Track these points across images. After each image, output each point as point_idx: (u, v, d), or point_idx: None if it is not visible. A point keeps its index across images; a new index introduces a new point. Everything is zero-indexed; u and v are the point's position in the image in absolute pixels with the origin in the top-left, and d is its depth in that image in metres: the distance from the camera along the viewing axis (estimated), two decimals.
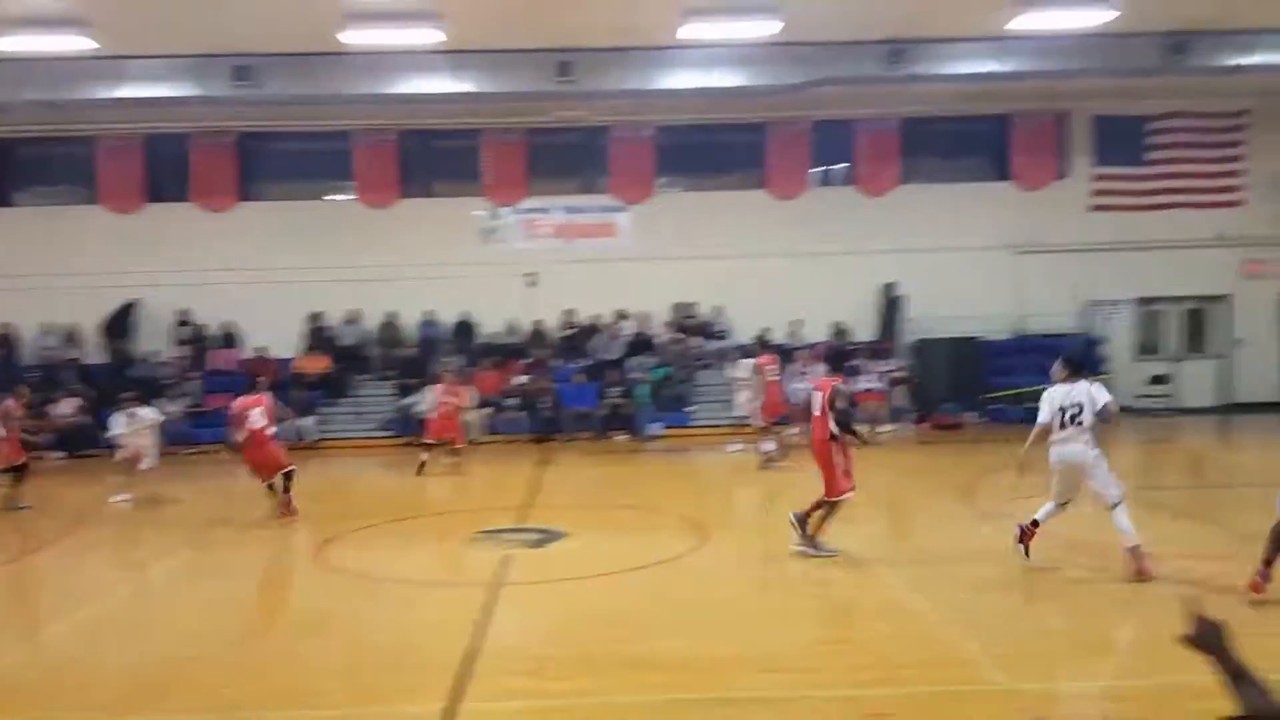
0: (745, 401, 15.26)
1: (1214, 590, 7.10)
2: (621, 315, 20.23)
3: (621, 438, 18.33)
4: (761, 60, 16.19)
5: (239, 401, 11.53)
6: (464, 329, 20.11)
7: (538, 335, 20.04)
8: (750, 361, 15.28)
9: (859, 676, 5.86)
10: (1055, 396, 8.19)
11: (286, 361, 19.26)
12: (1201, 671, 5.74)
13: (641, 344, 19.79)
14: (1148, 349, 20.75)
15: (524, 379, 18.96)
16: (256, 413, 11.32)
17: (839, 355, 19.00)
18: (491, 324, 20.12)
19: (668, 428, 18.49)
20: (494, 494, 13.17)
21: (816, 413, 8.93)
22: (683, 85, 16.37)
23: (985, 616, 7.09)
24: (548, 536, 10.01)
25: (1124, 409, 19.18)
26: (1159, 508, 10.91)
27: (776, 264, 19.88)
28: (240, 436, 11.32)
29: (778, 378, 14.91)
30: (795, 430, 17.80)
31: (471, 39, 15.29)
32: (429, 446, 14.49)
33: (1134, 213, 20.10)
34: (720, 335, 20.14)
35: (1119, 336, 20.33)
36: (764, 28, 14.72)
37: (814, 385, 9.47)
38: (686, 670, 6.04)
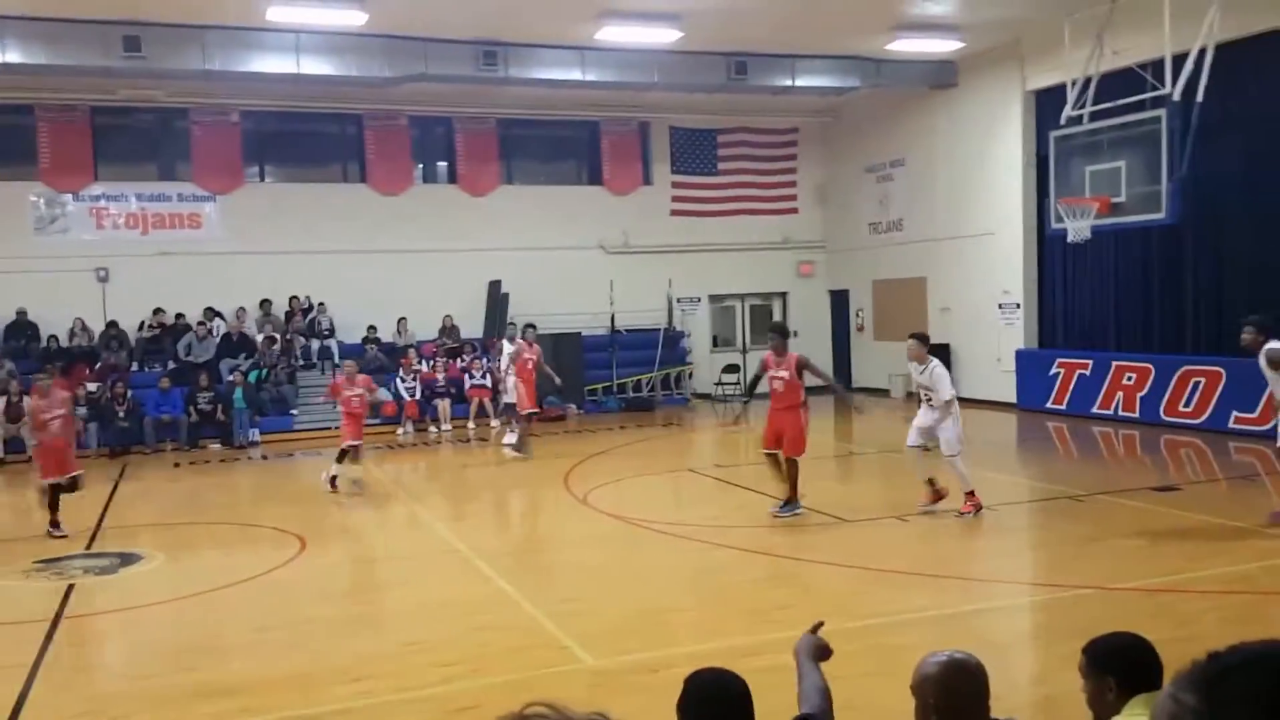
0: (512, 388, 15.21)
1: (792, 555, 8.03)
2: (212, 313, 18.84)
3: (215, 446, 17.07)
4: (354, 51, 15.80)
5: None
6: (20, 330, 17.69)
7: (112, 337, 18.10)
8: (513, 349, 15.19)
9: (447, 672, 5.95)
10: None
11: None
12: (753, 634, 6.48)
13: (236, 344, 18.54)
14: (722, 340, 22.94)
15: (94, 386, 17.03)
16: None
17: (453, 351, 19.31)
18: (55, 325, 17.87)
19: (265, 434, 17.49)
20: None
21: (785, 378, 9.98)
22: (269, 70, 15.52)
23: (578, 601, 7.50)
24: (121, 561, 9.12)
25: (703, 396, 21.23)
26: (730, 484, 12.18)
27: (382, 260, 19.55)
28: None
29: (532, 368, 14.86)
30: (404, 430, 17.76)
31: (21, 5, 13.49)
32: None
33: (708, 218, 22.13)
34: (324, 334, 19.43)
35: (698, 331, 22.27)
36: (351, 17, 14.39)
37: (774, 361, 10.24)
38: (263, 692, 5.78)
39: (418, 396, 18.36)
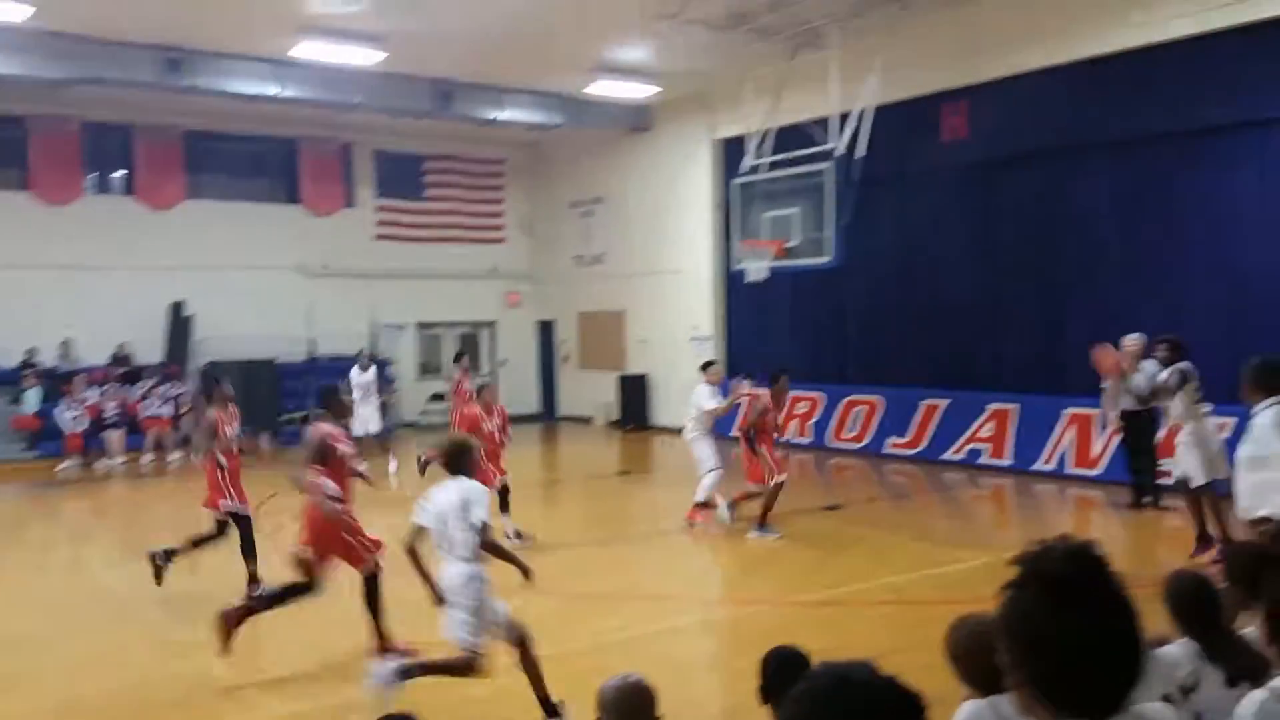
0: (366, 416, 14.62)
1: None
2: None
3: None
4: (19, 48, 14.24)
5: None
6: None
7: None
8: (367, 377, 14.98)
9: None
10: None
11: None
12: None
13: None
14: (429, 369, 22.64)
15: None
16: None
17: (130, 375, 17.62)
18: None
19: None
20: None
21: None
22: None
23: (255, 646, 7.10)
24: None
25: (409, 425, 20.82)
26: None
27: (45, 276, 17.64)
28: None
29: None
30: (66, 464, 16.02)
31: None
32: None
33: (415, 244, 21.82)
34: None
35: (404, 358, 21.85)
36: (13, 10, 12.96)
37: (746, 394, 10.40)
38: None
39: (84, 429, 16.65)
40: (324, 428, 7.21)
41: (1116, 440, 11.83)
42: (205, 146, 19.92)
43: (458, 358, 14.63)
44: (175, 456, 17.03)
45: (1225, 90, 11.89)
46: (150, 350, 18.69)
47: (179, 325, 19.04)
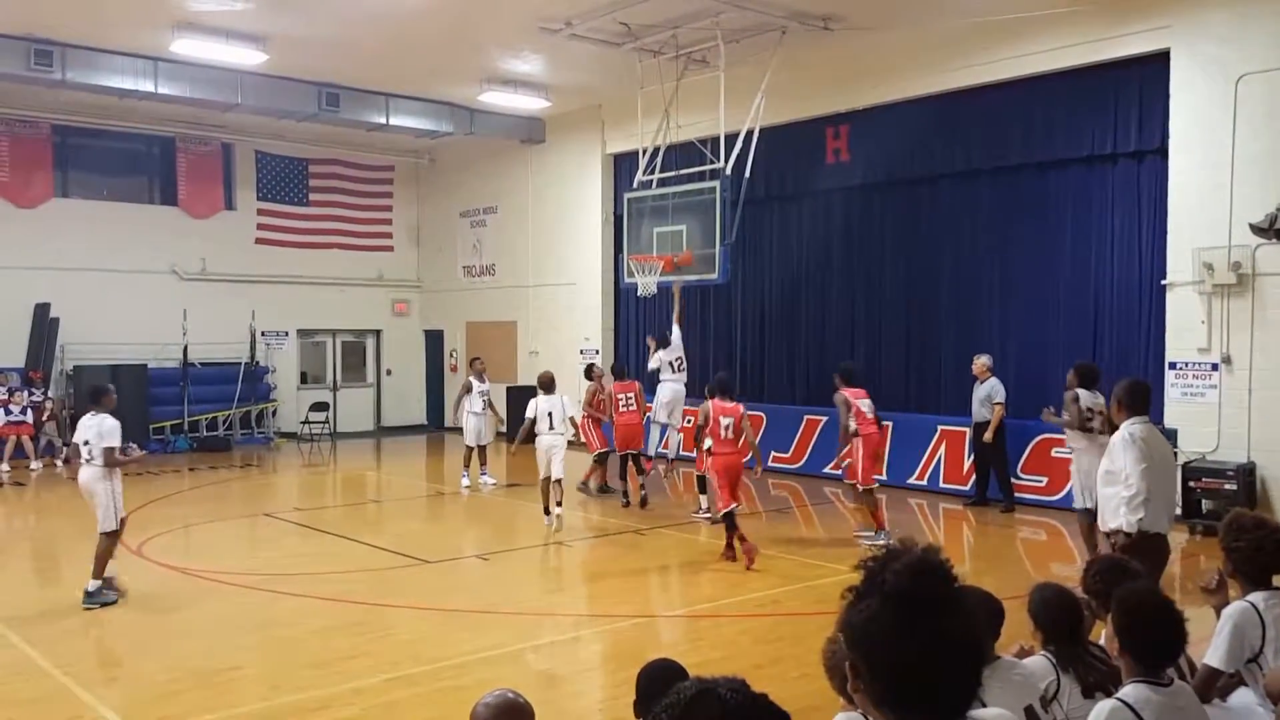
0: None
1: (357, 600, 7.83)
2: None
3: None
4: None
5: None
6: None
7: None
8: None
9: None
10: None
11: None
12: (320, 687, 6.28)
13: None
14: (312, 377, 22.07)
15: None
16: None
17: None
18: None
19: None
20: None
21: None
22: None
23: (119, 665, 6.82)
24: None
25: (288, 435, 20.26)
26: (310, 528, 11.72)
27: None
28: None
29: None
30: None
31: None
32: None
33: (298, 249, 21.28)
34: None
35: (284, 366, 21.25)
36: None
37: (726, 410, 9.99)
38: None
39: None
40: None
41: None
42: (76, 143, 19.08)
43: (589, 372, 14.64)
44: (36, 465, 16.24)
45: (1088, 122, 12.58)
46: (12, 353, 17.73)
47: (43, 328, 18.13)
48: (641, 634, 7.75)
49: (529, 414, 11.37)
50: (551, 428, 11.30)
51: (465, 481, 14.40)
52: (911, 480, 13.85)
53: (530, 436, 11.44)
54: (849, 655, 1.71)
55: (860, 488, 10.42)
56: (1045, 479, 12.59)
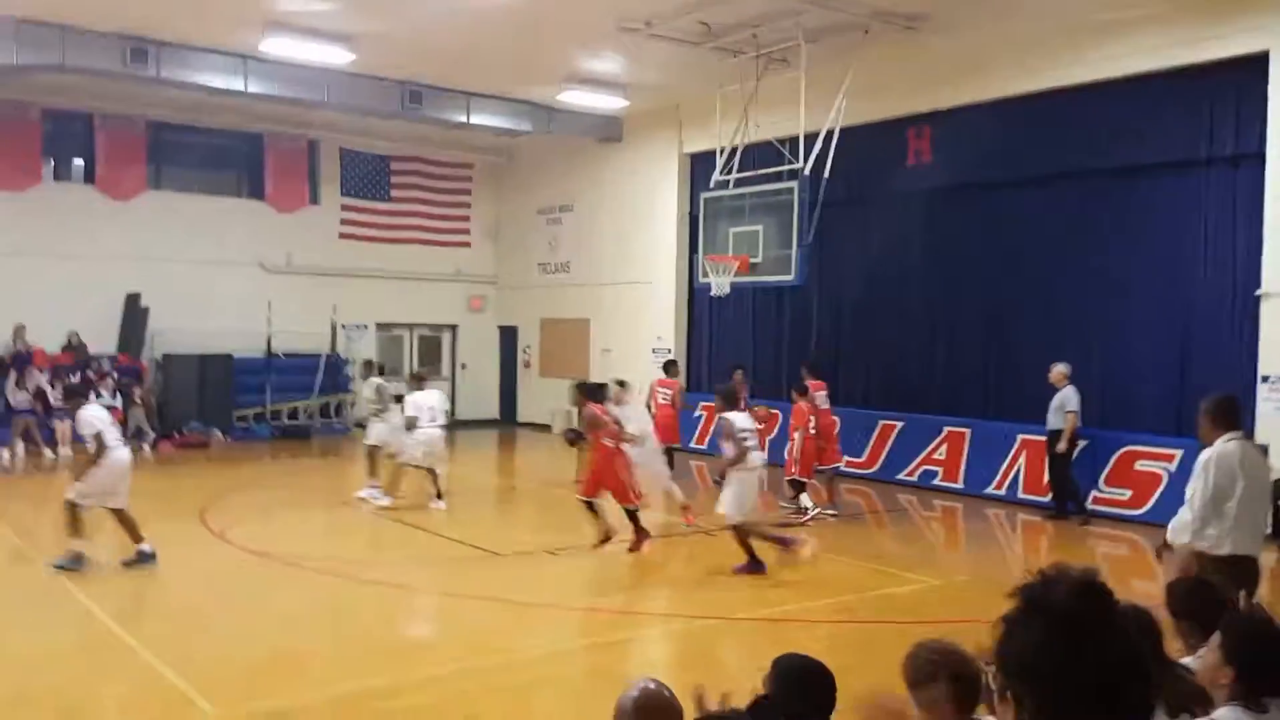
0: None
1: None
2: None
3: None
4: None
5: None
6: None
7: None
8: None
9: None
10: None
11: None
12: (391, 674, 6.41)
13: None
14: (389, 370, 22.37)
15: None
16: None
17: (81, 364, 17.27)
18: None
19: None
20: None
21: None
22: None
23: (202, 646, 7.02)
24: None
25: (364, 425, 20.58)
26: (387, 518, 11.93)
27: None
28: None
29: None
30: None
31: None
32: None
33: (378, 244, 21.68)
34: None
35: (363, 358, 21.60)
36: None
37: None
38: None
39: (35, 417, 16.32)
40: None
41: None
42: (169, 138, 19.71)
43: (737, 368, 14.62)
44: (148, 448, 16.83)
45: (1181, 126, 12.18)
46: (104, 340, 18.40)
47: (135, 317, 18.77)
48: (710, 635, 7.73)
49: (409, 411, 12.26)
50: (433, 420, 12.21)
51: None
52: (989, 490, 13.59)
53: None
54: (1006, 685, 1.63)
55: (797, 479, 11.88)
56: (1129, 492, 12.24)
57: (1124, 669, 1.59)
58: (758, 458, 9.54)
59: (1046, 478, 12.80)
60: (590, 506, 9.86)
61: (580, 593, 8.84)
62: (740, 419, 9.56)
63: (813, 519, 11.77)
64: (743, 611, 8.21)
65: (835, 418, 12.90)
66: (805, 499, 11.99)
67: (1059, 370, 12.25)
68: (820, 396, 12.50)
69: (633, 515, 9.83)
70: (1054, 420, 12.18)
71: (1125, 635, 1.61)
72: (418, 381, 12.94)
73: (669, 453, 13.39)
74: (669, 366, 15.07)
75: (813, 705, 3.07)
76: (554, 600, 8.40)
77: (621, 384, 12.31)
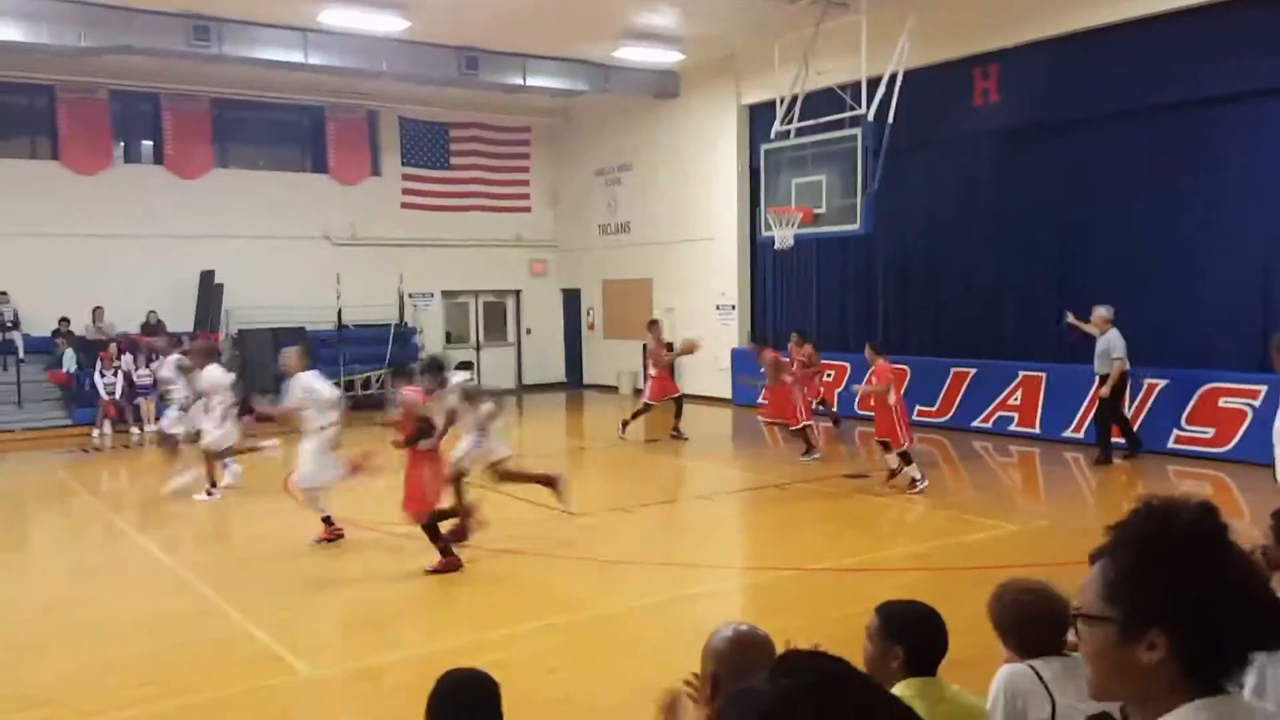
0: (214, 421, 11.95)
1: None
2: None
3: None
4: (46, 16, 14.32)
5: None
6: None
7: None
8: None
9: (141, 693, 5.55)
10: None
11: None
12: (476, 632, 6.50)
13: None
14: (456, 337, 22.73)
15: None
16: None
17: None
18: None
19: None
20: None
21: None
22: None
23: (293, 609, 7.22)
24: None
25: None
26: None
27: (74, 245, 17.84)
28: None
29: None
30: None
31: None
32: None
33: (439, 212, 21.84)
34: (6, 326, 17.49)
35: (431, 327, 21.94)
36: None
37: None
38: None
39: (118, 395, 16.90)
40: None
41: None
42: (233, 115, 20.02)
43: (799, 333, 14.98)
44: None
45: (1257, 55, 11.63)
46: (180, 319, 18.87)
47: (209, 294, 19.20)
48: (789, 586, 7.72)
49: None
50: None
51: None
52: (1068, 433, 13.32)
53: None
54: (1136, 630, 1.47)
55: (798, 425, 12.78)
56: (1212, 430, 11.90)
57: (1262, 589, 1.52)
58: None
59: (1090, 420, 12.51)
60: (805, 432, 12.65)
61: (654, 549, 8.88)
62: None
63: (920, 491, 10.69)
64: (818, 562, 8.19)
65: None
66: (914, 469, 10.85)
67: (1100, 314, 11.96)
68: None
69: (802, 431, 12.78)
70: (1100, 365, 11.93)
71: (1248, 557, 1.56)
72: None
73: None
74: (802, 334, 14.64)
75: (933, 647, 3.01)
76: (630, 557, 8.47)
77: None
